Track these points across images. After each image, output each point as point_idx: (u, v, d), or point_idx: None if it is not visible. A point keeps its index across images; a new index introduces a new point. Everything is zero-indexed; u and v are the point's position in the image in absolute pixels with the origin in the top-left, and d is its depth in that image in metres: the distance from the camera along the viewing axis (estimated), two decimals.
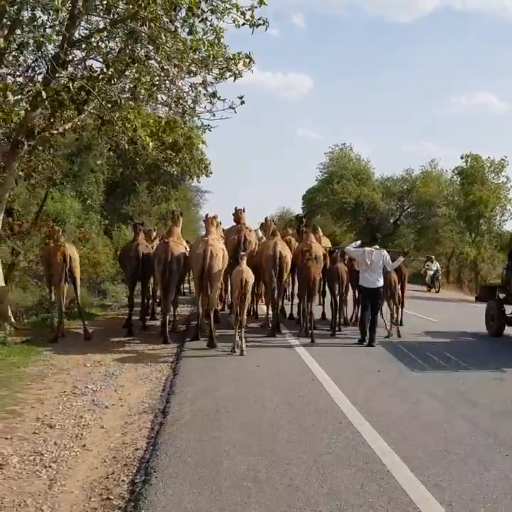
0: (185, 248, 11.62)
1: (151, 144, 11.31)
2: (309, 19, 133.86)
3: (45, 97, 8.92)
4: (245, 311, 10.21)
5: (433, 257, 31.53)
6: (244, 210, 13.05)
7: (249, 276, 10.05)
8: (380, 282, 11.18)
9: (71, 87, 9.34)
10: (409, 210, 47.68)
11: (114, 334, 11.41)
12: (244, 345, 9.63)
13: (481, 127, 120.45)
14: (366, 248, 11.34)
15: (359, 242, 12.59)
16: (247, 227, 12.69)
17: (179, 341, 10.69)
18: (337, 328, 12.07)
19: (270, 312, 12.25)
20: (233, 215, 13.20)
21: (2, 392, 6.88)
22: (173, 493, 4.22)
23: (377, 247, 11.41)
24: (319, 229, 14.34)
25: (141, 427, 5.80)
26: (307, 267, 11.38)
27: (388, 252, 11.99)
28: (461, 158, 37.95)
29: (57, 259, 10.58)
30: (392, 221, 47.68)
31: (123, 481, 4.53)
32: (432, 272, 29.06)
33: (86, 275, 15.44)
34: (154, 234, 14.29)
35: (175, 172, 14.97)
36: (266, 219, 14.28)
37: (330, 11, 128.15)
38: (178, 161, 14.16)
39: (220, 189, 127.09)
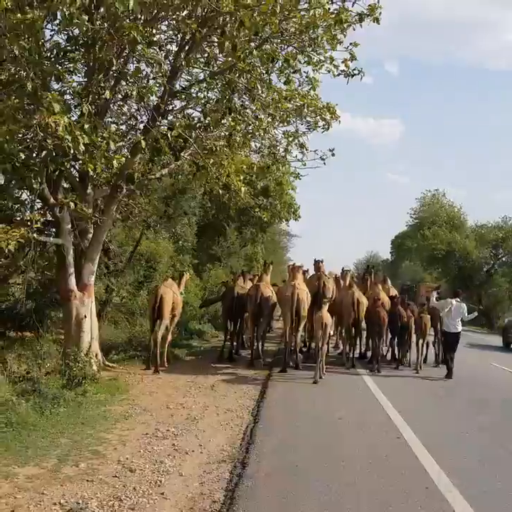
0: (272, 291, 14.02)
1: (243, 189, 11.63)
2: (403, 66, 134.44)
3: (144, 145, 9.32)
4: (325, 346, 12.31)
5: None
6: (322, 261, 15.28)
7: (329, 319, 12.51)
8: (459, 328, 13.58)
9: (169, 135, 9.72)
10: (504, 258, 46.02)
11: (200, 370, 11.92)
12: (323, 373, 11.89)
13: None
14: (448, 300, 13.93)
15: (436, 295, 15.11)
16: (325, 275, 14.69)
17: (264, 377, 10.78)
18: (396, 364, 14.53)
19: (347, 349, 14.62)
20: (314, 265, 15.55)
21: (88, 431, 7.07)
22: None
23: (459, 299, 13.79)
24: (388, 279, 17.26)
25: (220, 478, 5.77)
26: (377, 311, 13.81)
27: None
28: None
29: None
30: (485, 270, 46.12)
31: None
32: None
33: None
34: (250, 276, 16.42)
35: (265, 219, 15.32)
36: (343, 270, 16.42)
37: (424, 58, 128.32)
38: (268, 206, 14.47)
39: (307, 232, 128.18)
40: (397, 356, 15.00)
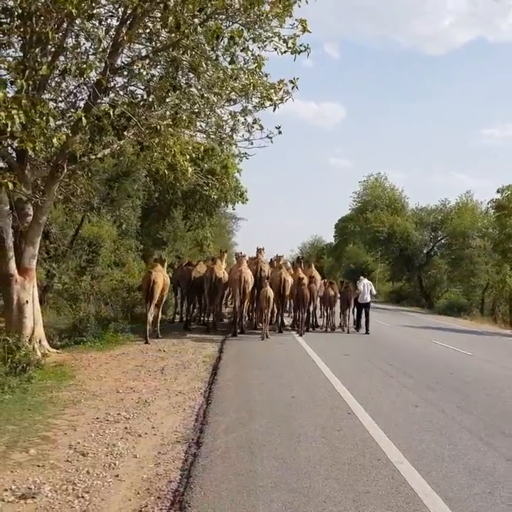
0: (224, 273, 16.86)
1: (190, 169, 11.41)
2: (342, 49, 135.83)
3: (85, 123, 8.97)
4: (269, 314, 16.32)
5: None
6: (263, 249, 18.82)
7: (271, 293, 15.95)
8: (368, 299, 19.14)
9: (112, 113, 9.38)
10: (442, 240, 47.20)
11: (149, 355, 11.74)
12: (267, 334, 15.59)
13: None
14: (360, 280, 19.53)
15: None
16: (262, 261, 18.16)
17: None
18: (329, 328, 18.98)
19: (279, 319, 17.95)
20: (256, 251, 18.88)
21: (36, 417, 6.82)
22: None
23: (366, 279, 19.73)
24: (312, 265, 20.93)
25: (175, 458, 5.67)
26: (301, 289, 16.86)
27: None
28: (498, 191, 37.15)
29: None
30: (425, 251, 47.23)
31: None
32: None
33: (121, 299, 15.59)
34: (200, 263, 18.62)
35: (214, 196, 15.41)
36: (277, 256, 20.23)
37: (363, 42, 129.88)
38: (217, 185, 14.37)
39: (252, 215, 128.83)
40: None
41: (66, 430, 6.40)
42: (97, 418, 6.93)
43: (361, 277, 19.93)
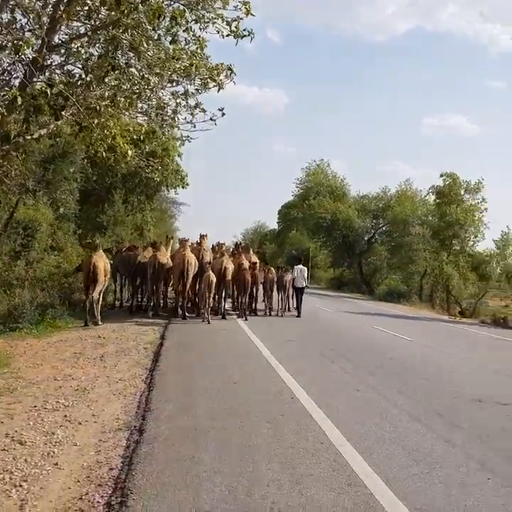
0: (167, 259, 17.11)
1: (130, 152, 11.14)
2: (284, 35, 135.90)
3: (20, 102, 8.61)
4: (211, 298, 16.56)
5: None
6: (206, 235, 18.85)
7: (213, 278, 16.13)
8: (303, 284, 20.19)
9: (48, 92, 9.02)
10: (383, 228, 48.06)
11: (88, 341, 11.37)
12: (209, 318, 15.81)
13: (453, 149, 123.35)
14: (295, 266, 20.85)
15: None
16: (203, 248, 18.11)
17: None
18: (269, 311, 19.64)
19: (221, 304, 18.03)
20: (199, 238, 18.88)
21: None
22: None
23: (301, 265, 20.82)
24: (251, 249, 21.69)
25: (116, 445, 5.54)
26: (242, 274, 17.44)
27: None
28: (441, 176, 38.27)
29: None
30: (366, 239, 47.99)
31: (98, 502, 4.30)
32: None
33: (58, 285, 15.19)
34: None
35: (157, 178, 15.17)
36: (218, 243, 20.32)
37: (306, 28, 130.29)
38: (159, 167, 14.11)
39: (195, 200, 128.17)
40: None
41: (2, 419, 6.18)
42: (35, 406, 6.72)
43: (297, 265, 20.96)
